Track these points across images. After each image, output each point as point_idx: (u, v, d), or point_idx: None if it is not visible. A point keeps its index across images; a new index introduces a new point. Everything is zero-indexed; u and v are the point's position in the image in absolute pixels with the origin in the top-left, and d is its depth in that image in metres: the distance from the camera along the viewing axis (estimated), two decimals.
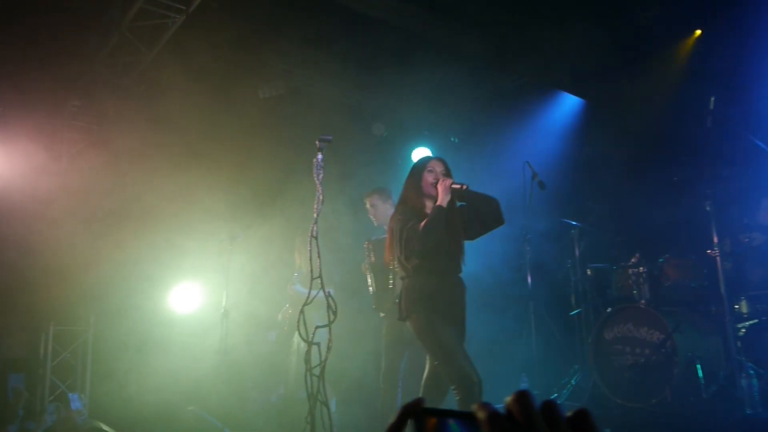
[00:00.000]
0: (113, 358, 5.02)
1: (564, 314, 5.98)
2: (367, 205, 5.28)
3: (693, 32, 5.88)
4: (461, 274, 3.72)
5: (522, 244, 5.80)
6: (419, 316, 3.49)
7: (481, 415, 0.65)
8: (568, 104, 7.09)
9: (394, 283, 4.94)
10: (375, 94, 6.93)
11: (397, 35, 5.86)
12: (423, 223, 3.49)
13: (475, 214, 3.71)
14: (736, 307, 5.07)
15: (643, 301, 5.20)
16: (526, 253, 5.76)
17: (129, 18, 5.33)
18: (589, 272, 5.70)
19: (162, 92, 5.33)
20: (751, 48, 5.38)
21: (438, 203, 3.57)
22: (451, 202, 3.64)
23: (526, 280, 5.69)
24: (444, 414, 0.66)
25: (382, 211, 5.20)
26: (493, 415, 0.64)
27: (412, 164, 3.89)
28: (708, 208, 4.92)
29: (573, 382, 5.37)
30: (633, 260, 5.44)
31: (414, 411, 0.65)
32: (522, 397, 0.64)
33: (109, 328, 5.18)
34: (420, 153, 7.32)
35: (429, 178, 3.71)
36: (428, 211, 3.65)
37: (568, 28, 5.89)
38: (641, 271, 5.34)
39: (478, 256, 6.36)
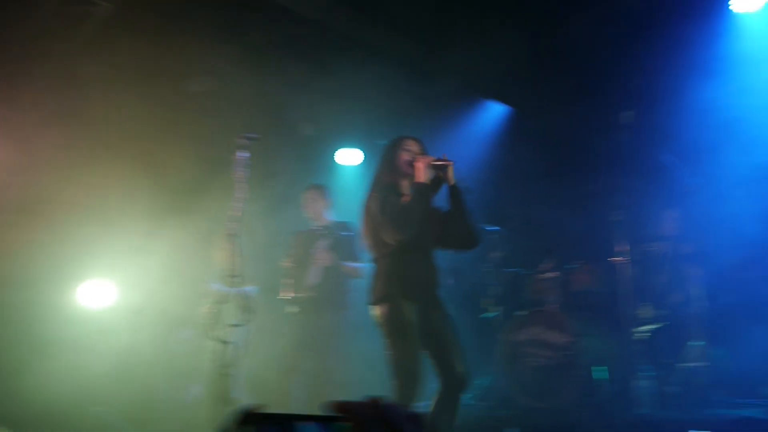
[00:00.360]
0: (12, 357, 4.83)
1: (480, 317, 6.13)
2: (305, 199, 5.40)
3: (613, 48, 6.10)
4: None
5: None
6: (390, 305, 3.32)
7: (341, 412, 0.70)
8: (493, 111, 7.28)
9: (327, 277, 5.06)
10: (304, 93, 6.92)
11: (328, 35, 5.90)
12: (407, 199, 3.38)
13: (451, 226, 3.57)
14: (639, 312, 5.31)
15: (554, 306, 5.41)
16: (444, 256, 5.91)
17: (53, 3, 5.14)
18: (504, 277, 5.87)
19: (81, 84, 5.18)
20: (663, 66, 5.65)
21: (417, 180, 3.41)
22: (433, 182, 3.49)
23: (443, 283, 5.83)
24: (267, 419, 0.70)
25: (320, 206, 5.43)
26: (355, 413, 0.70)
27: (385, 144, 3.69)
28: (618, 218, 5.19)
29: (485, 383, 5.53)
30: (547, 266, 5.63)
31: (247, 417, 0.70)
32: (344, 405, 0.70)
33: (8, 325, 4.98)
34: (346, 154, 7.37)
35: (405, 156, 3.53)
36: (405, 190, 3.52)
37: (495, 37, 6.05)
38: (554, 276, 5.55)
39: None
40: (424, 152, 3.57)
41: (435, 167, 3.45)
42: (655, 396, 4.69)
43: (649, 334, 5.21)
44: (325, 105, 6.45)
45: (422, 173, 3.41)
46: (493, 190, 6.54)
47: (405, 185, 3.54)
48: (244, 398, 4.47)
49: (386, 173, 3.58)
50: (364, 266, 5.47)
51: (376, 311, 3.37)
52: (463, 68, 6.36)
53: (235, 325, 3.90)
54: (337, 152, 7.22)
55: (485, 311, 6.00)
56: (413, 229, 3.31)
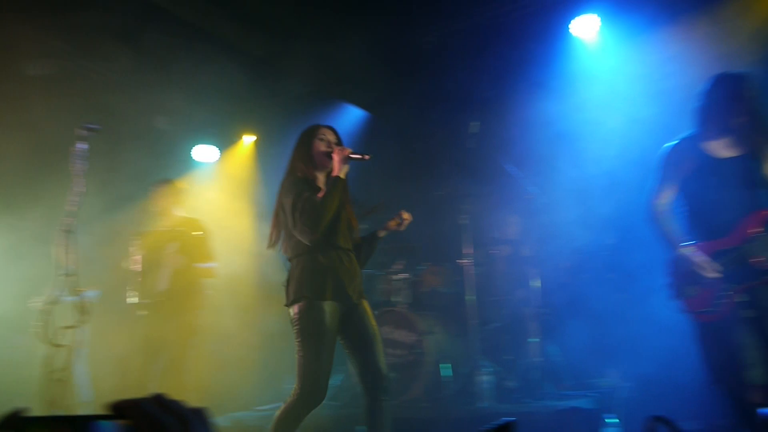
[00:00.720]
0: None
1: None
2: (153, 194, 5.19)
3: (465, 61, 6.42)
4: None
5: None
6: (307, 304, 3.09)
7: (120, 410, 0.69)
8: (349, 114, 7.37)
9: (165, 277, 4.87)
10: (159, 85, 6.65)
11: (184, 28, 5.72)
12: (321, 194, 3.12)
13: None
14: (483, 311, 5.61)
15: (403, 305, 5.56)
16: None
17: None
18: None
19: None
20: (509, 80, 6.02)
21: (334, 173, 3.19)
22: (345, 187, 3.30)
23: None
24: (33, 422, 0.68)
25: (169, 202, 5.24)
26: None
27: (300, 133, 3.40)
28: (464, 222, 5.43)
29: (337, 382, 5.59)
30: (397, 267, 5.79)
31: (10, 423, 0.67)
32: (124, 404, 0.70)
33: None
34: (203, 151, 7.18)
35: (320, 146, 3.30)
36: (321, 184, 3.31)
37: (352, 41, 6.15)
38: (404, 277, 5.71)
39: (249, 256, 6.41)
40: (340, 142, 3.37)
41: (353, 160, 3.23)
42: (494, 390, 4.97)
43: (488, 332, 5.53)
44: (179, 99, 6.24)
45: (339, 166, 3.19)
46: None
47: (321, 178, 3.34)
48: (86, 403, 4.23)
49: (300, 165, 3.29)
50: (216, 265, 5.35)
51: (292, 312, 3.14)
52: (320, 69, 6.38)
53: (70, 327, 3.67)
54: (193, 148, 7.01)
55: None
56: (325, 227, 3.11)
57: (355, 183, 6.56)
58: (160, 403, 0.73)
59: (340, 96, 7.04)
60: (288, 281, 3.24)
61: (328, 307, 3.09)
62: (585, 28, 5.85)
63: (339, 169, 3.18)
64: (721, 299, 3.29)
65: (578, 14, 5.87)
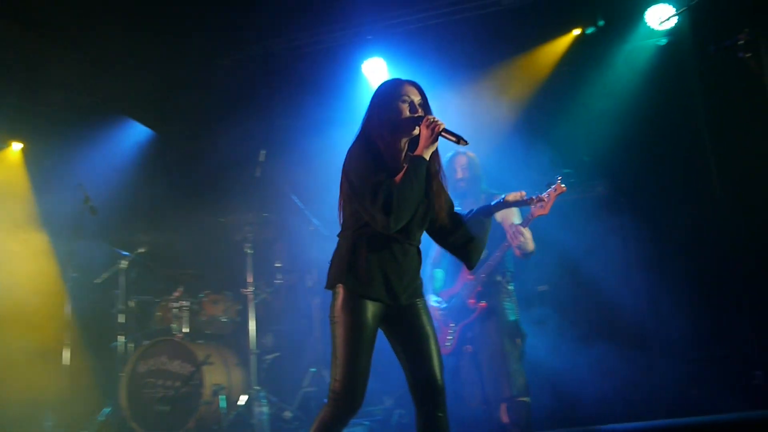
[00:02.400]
0: None
1: (105, 346, 5.77)
2: None
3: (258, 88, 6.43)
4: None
5: (66, 270, 5.57)
6: (345, 295, 2.56)
7: None
8: (135, 131, 7.00)
9: None
10: None
11: None
12: (400, 178, 2.54)
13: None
14: (263, 341, 5.62)
15: (179, 334, 5.35)
16: (69, 279, 5.55)
17: None
18: (132, 304, 5.65)
19: None
20: (299, 111, 6.12)
21: (418, 152, 2.58)
22: (433, 154, 2.65)
23: (63, 307, 5.43)
24: None
25: None
26: None
27: (378, 89, 2.77)
28: (247, 250, 5.44)
29: (101, 418, 5.21)
30: (176, 294, 5.57)
31: None
32: None
33: None
34: None
35: (405, 110, 2.66)
36: (399, 157, 2.69)
37: (143, 56, 5.89)
38: (182, 305, 5.50)
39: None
40: (427, 107, 2.72)
41: (445, 138, 2.60)
42: (271, 421, 4.96)
43: (267, 362, 5.53)
44: None
45: (427, 142, 2.57)
46: (128, 213, 6.29)
47: (398, 148, 2.69)
48: None
49: (383, 129, 2.65)
50: None
51: (338, 299, 2.57)
52: (103, 80, 6.01)
53: None
54: None
55: (111, 340, 5.65)
56: (409, 217, 2.56)
57: (134, 204, 6.40)
58: None
59: (124, 111, 6.66)
60: (333, 258, 2.70)
61: (369, 303, 2.56)
62: (373, 70, 6.13)
63: (425, 146, 2.57)
64: (450, 336, 4.25)
65: (367, 56, 6.12)
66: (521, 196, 2.87)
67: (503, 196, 2.88)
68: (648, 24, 5.46)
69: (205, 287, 5.66)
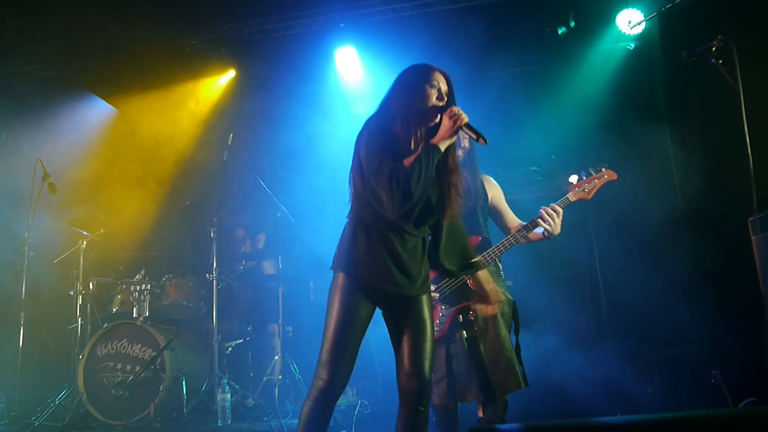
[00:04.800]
0: None
1: (62, 328, 5.63)
2: None
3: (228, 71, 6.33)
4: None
5: (22, 245, 5.39)
6: (344, 279, 2.54)
7: None
8: (97, 107, 6.80)
9: None
10: None
11: None
12: (409, 162, 2.45)
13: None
14: (226, 327, 5.58)
15: (141, 318, 5.27)
16: (26, 258, 5.37)
17: None
18: (92, 285, 5.50)
19: None
20: (271, 92, 6.03)
21: (435, 141, 2.50)
22: (451, 148, 2.58)
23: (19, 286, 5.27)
24: None
25: None
26: None
27: (406, 71, 2.65)
28: (212, 235, 5.30)
29: (57, 401, 5.07)
30: (138, 277, 5.47)
31: None
32: None
33: None
34: None
35: (432, 96, 2.56)
36: (413, 146, 2.57)
37: (107, 31, 5.70)
38: (144, 288, 5.40)
39: None
40: (452, 98, 2.62)
41: (465, 133, 2.51)
42: (234, 408, 4.90)
43: (230, 349, 5.47)
44: None
45: (447, 133, 2.49)
46: (87, 191, 6.12)
47: (416, 135, 2.58)
48: None
49: (398, 113, 2.56)
50: None
51: (336, 280, 2.57)
52: (66, 54, 5.80)
53: None
54: None
55: (70, 322, 5.49)
56: (413, 203, 2.48)
57: (95, 183, 6.22)
58: None
59: (86, 86, 6.46)
60: (339, 242, 2.67)
61: (364, 288, 2.54)
62: (345, 58, 6.11)
63: (444, 137, 2.50)
64: (443, 319, 3.59)
65: (340, 44, 6.09)
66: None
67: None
68: (618, 27, 5.56)
69: (169, 271, 5.55)
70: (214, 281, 5.30)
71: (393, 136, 2.51)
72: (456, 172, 2.63)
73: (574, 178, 3.32)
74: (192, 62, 6.00)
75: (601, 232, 5.49)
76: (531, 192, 5.55)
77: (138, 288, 5.40)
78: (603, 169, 3.36)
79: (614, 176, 3.35)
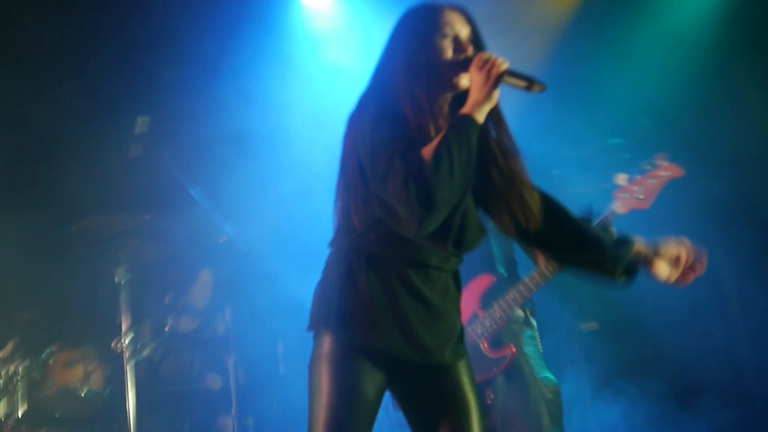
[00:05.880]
0: None
1: None
2: None
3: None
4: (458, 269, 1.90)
5: None
6: (334, 344, 1.76)
7: None
8: None
9: None
10: None
11: None
12: (431, 149, 1.62)
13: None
14: (148, 421, 4.12)
15: (10, 422, 3.83)
16: None
17: None
18: None
19: None
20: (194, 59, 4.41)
21: (466, 110, 1.68)
22: (495, 116, 1.79)
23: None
24: None
25: None
26: None
27: (402, 18, 1.90)
28: (118, 278, 3.85)
29: None
30: (2, 354, 3.88)
31: None
32: None
33: None
34: None
35: (446, 49, 1.79)
36: (434, 131, 1.74)
37: None
38: (14, 370, 3.84)
39: None
40: (479, 42, 1.84)
41: (510, 84, 1.72)
42: None
43: None
44: None
45: (483, 93, 1.68)
46: None
47: (434, 111, 1.77)
48: None
49: (403, 86, 1.77)
50: None
51: (322, 347, 1.79)
52: None
53: None
54: None
55: None
56: (440, 215, 1.66)
57: None
58: None
59: None
60: (317, 287, 1.90)
61: (371, 360, 1.78)
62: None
63: (478, 102, 1.68)
64: None
65: None
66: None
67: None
68: None
69: (52, 340, 4.11)
70: (126, 352, 3.79)
71: (403, 120, 1.72)
72: (513, 152, 1.79)
73: (623, 179, 2.81)
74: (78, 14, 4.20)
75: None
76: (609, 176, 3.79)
77: (5, 371, 3.91)
78: (661, 163, 2.81)
79: (680, 172, 2.80)
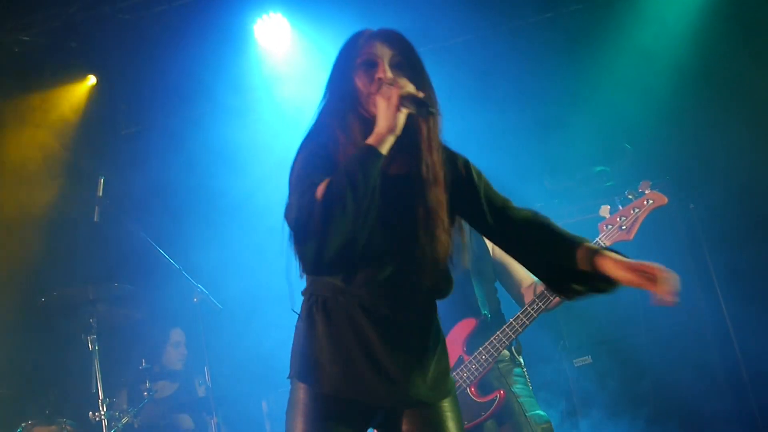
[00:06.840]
0: None
1: None
2: None
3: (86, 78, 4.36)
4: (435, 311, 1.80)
5: None
6: (302, 391, 1.70)
7: None
8: None
9: None
10: None
11: None
12: (325, 183, 1.53)
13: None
14: None
15: None
16: None
17: None
18: None
19: None
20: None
21: (370, 140, 1.58)
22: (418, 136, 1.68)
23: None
24: None
25: None
26: None
27: (340, 51, 1.83)
28: (91, 345, 3.68)
29: None
30: None
31: None
32: None
33: None
34: None
35: (364, 80, 1.71)
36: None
37: None
38: None
39: None
40: (414, 67, 1.73)
41: (413, 106, 1.59)
42: None
43: None
44: None
45: (388, 121, 1.57)
46: None
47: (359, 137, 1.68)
48: None
49: (328, 125, 1.72)
50: None
51: (293, 394, 1.74)
52: None
53: None
54: None
55: None
56: (336, 254, 1.56)
57: None
58: None
59: None
60: (295, 328, 1.82)
61: (341, 407, 1.70)
62: (270, 31, 4.34)
63: (382, 129, 1.58)
64: None
65: (261, 14, 4.31)
66: None
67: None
68: None
69: (26, 414, 3.90)
70: (104, 422, 3.57)
71: (327, 156, 1.66)
72: (437, 183, 1.68)
73: (605, 210, 2.77)
74: (25, 70, 4.00)
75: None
76: (595, 207, 3.56)
77: None
78: (646, 191, 2.75)
79: (663, 200, 2.74)
